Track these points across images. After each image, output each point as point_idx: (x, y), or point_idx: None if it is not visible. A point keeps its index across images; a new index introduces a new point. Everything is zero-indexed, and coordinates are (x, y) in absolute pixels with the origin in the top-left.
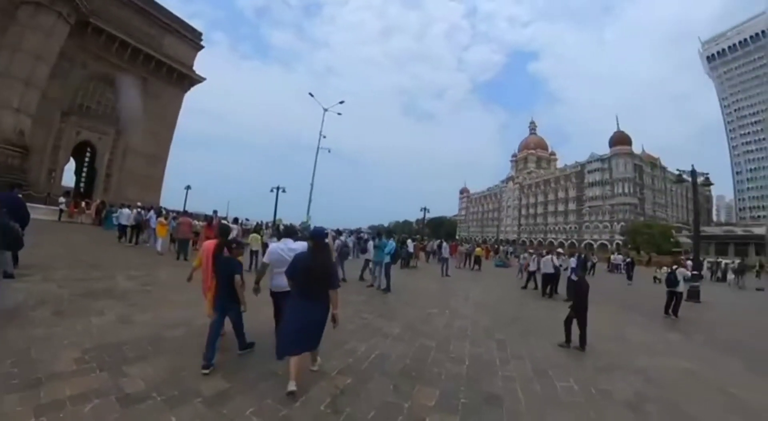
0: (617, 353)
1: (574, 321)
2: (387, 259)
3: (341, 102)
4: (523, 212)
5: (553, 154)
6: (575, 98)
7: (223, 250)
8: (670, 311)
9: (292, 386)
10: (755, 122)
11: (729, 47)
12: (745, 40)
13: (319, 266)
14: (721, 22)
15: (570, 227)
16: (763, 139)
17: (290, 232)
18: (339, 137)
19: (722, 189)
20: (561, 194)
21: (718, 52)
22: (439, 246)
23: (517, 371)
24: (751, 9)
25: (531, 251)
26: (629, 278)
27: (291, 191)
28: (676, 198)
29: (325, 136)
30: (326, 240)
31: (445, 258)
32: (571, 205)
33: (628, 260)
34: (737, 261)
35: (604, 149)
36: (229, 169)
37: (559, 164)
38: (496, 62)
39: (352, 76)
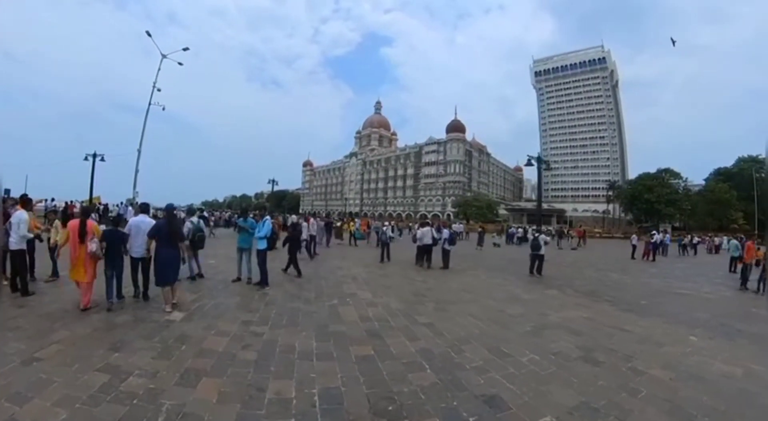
0: (527, 315)
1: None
2: (262, 244)
3: (185, 49)
4: (365, 186)
5: (394, 134)
6: (419, 87)
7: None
8: (534, 270)
9: (168, 308)
10: (560, 127)
11: (552, 69)
12: (565, 66)
13: (173, 228)
14: (547, 48)
15: (408, 201)
16: (562, 140)
17: (145, 209)
18: (174, 97)
19: (531, 174)
20: (400, 171)
21: (544, 70)
22: (294, 224)
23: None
24: (573, 45)
25: (389, 222)
26: (479, 243)
27: (113, 162)
28: (495, 178)
29: (159, 89)
30: (175, 212)
31: (312, 236)
32: (409, 182)
33: (479, 230)
34: (554, 228)
35: (441, 134)
36: (32, 133)
37: (399, 144)
38: (351, 40)
39: (198, 28)
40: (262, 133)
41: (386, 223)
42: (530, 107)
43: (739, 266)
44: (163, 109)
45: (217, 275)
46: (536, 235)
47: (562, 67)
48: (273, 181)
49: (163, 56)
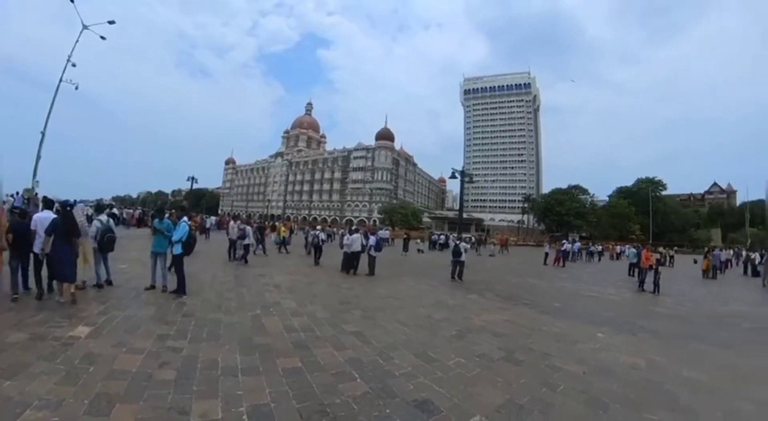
0: (452, 319)
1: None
2: (178, 249)
3: (111, 22)
4: (290, 188)
5: (323, 136)
6: (352, 92)
7: None
8: (456, 276)
9: (61, 299)
10: (483, 143)
11: (481, 88)
12: (493, 87)
13: (68, 224)
14: (478, 68)
15: (334, 205)
16: (485, 155)
17: (49, 204)
18: (91, 75)
19: (453, 185)
20: (327, 175)
21: (473, 89)
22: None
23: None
24: (503, 67)
25: (319, 227)
26: (405, 250)
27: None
28: (420, 187)
29: (74, 64)
30: (69, 208)
31: (233, 240)
32: (336, 186)
33: (404, 236)
34: (474, 235)
35: (370, 141)
36: None
37: (328, 147)
38: (290, 38)
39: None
40: (185, 125)
41: (318, 227)
42: (457, 122)
43: (637, 271)
44: (76, 88)
45: (129, 281)
46: (457, 242)
47: (490, 87)
48: (192, 178)
49: (84, 27)
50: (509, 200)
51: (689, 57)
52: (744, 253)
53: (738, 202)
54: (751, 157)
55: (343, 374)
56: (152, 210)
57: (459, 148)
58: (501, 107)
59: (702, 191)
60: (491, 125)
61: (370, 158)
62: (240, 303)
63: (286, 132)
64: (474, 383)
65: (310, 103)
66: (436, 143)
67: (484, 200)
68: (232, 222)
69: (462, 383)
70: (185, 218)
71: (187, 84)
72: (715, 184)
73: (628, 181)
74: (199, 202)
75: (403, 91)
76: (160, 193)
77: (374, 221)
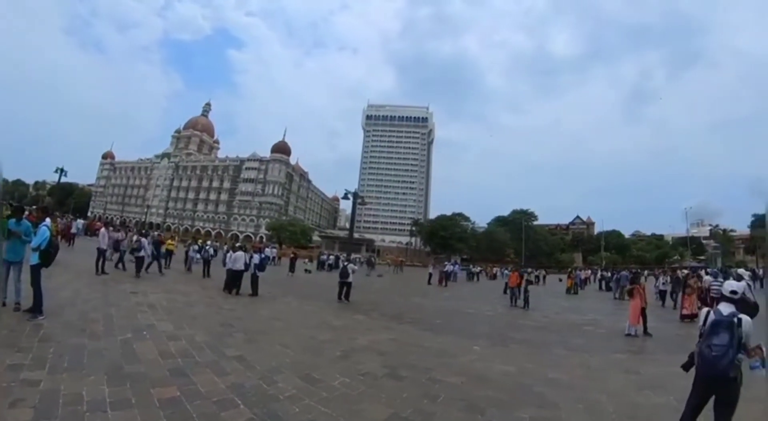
0: (337, 340)
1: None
2: (34, 258)
3: None
4: (174, 194)
5: (217, 141)
6: (256, 100)
7: None
8: (342, 297)
9: None
10: (378, 167)
11: (383, 116)
12: (393, 116)
13: None
14: (383, 96)
15: (219, 217)
16: (379, 178)
17: None
18: None
19: (346, 205)
20: (216, 184)
21: (375, 116)
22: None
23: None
24: (405, 99)
25: (209, 241)
26: (291, 270)
27: None
28: (313, 205)
29: None
30: None
31: (102, 250)
32: (224, 196)
33: (291, 255)
34: (364, 256)
35: (265, 152)
36: None
37: (220, 154)
38: (201, 29)
39: None
40: (61, 105)
41: (208, 242)
42: (356, 144)
43: (509, 289)
44: None
45: None
46: (345, 263)
47: (391, 116)
48: (61, 170)
49: None
50: (399, 223)
51: (565, 113)
52: (599, 272)
53: (595, 231)
54: (606, 197)
55: (225, 401)
56: (8, 205)
57: (355, 169)
58: (399, 136)
59: (567, 222)
60: (388, 151)
61: (263, 170)
62: (108, 326)
63: (178, 131)
64: (359, 401)
65: (208, 104)
66: (334, 161)
67: (375, 222)
68: (103, 229)
69: (347, 401)
70: (47, 220)
71: (74, 56)
72: (577, 217)
73: (505, 212)
74: (66, 199)
75: (306, 107)
76: (18, 184)
77: (261, 237)
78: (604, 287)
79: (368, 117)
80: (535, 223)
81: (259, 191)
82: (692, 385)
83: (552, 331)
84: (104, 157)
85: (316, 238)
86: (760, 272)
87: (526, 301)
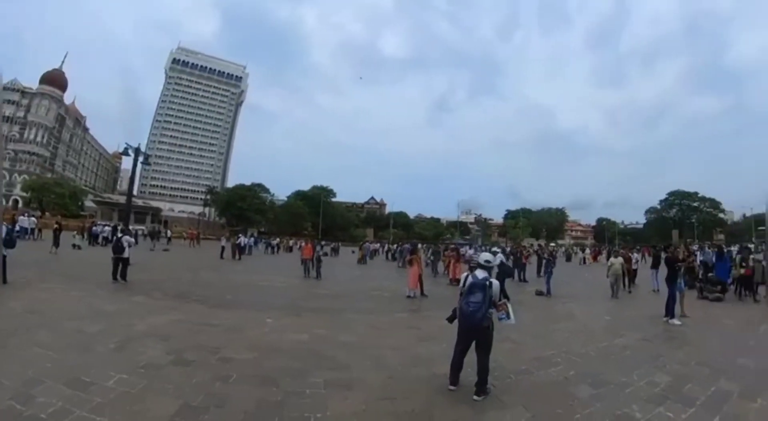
0: (111, 330)
1: None
2: None
3: None
4: None
5: None
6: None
7: None
8: (118, 276)
9: None
10: (176, 123)
11: (192, 64)
12: (204, 67)
13: None
14: (198, 43)
15: None
16: (175, 136)
17: None
18: None
19: (130, 164)
20: None
21: (183, 61)
22: None
23: None
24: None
25: None
26: (55, 244)
27: None
28: (89, 161)
29: None
30: None
31: None
32: None
33: (56, 227)
34: (148, 227)
35: (31, 81)
36: None
37: None
38: None
39: None
40: None
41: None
42: (154, 90)
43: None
44: None
45: None
46: (120, 236)
47: (201, 66)
48: None
49: None
50: (192, 190)
51: (379, 104)
52: (386, 245)
53: (386, 211)
54: (399, 183)
55: None
56: None
57: (147, 121)
58: (206, 91)
59: (363, 201)
60: (190, 106)
61: (23, 107)
62: None
63: None
64: (141, 399)
65: None
66: (124, 109)
67: (165, 187)
68: None
69: (128, 402)
70: None
71: None
72: (372, 197)
73: (306, 187)
74: None
75: (101, 29)
76: None
77: (16, 200)
78: (390, 257)
79: (175, 61)
80: (334, 199)
81: (15, 135)
82: (457, 334)
83: (343, 298)
84: None
85: (90, 204)
86: (508, 248)
87: (318, 272)
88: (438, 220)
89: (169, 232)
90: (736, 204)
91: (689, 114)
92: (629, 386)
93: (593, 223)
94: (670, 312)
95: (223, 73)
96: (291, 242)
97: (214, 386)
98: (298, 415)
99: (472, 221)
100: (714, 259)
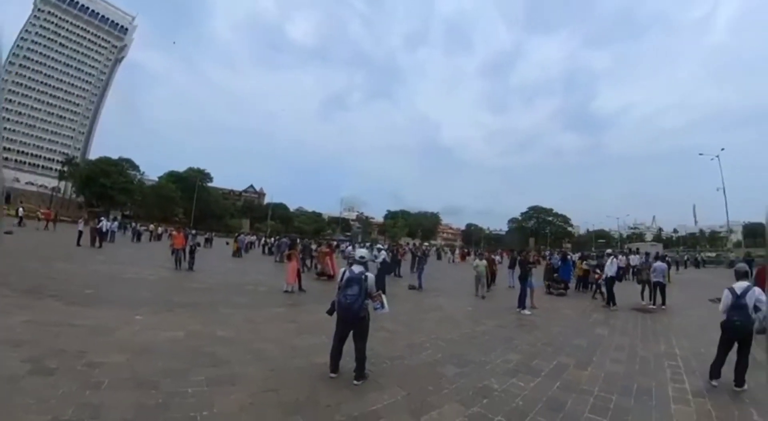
0: None
1: None
2: None
3: None
4: None
5: None
6: None
7: None
8: None
9: None
10: (34, 70)
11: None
12: (86, 7)
13: None
14: None
15: None
16: (29, 86)
17: None
18: None
19: None
20: None
21: None
22: None
23: None
24: None
25: None
26: None
27: None
28: None
29: None
30: None
31: None
32: None
33: None
34: None
35: None
36: None
37: None
38: None
39: None
40: None
41: None
42: (14, 23)
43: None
44: None
45: None
46: None
47: (82, 5)
48: None
49: None
50: (46, 158)
51: (274, 88)
52: (264, 238)
53: (265, 201)
54: (282, 173)
55: None
56: None
57: None
58: (81, 37)
59: (241, 189)
60: (57, 52)
61: None
62: None
63: None
64: None
65: None
66: None
67: (9, 149)
68: None
69: None
70: None
71: None
72: (251, 186)
73: (181, 168)
74: None
75: None
76: None
77: None
78: (267, 251)
79: None
80: (210, 184)
81: None
82: (336, 325)
83: (218, 292)
84: None
85: None
86: (386, 246)
87: (190, 264)
88: (320, 214)
89: (21, 210)
90: (582, 221)
91: (555, 145)
92: (488, 364)
93: (463, 227)
94: (522, 304)
95: (107, 19)
96: (160, 230)
97: (84, 395)
98: (183, 416)
99: (354, 218)
100: (560, 262)
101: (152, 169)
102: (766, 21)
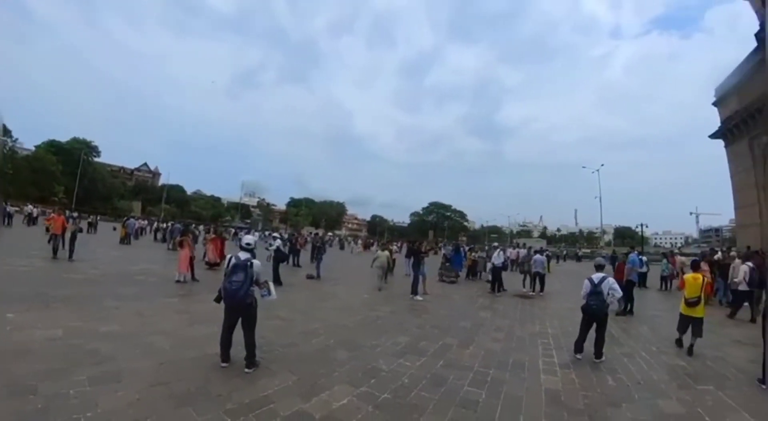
0: None
1: None
2: None
3: None
4: None
5: None
6: None
7: None
8: None
9: None
10: None
11: None
12: None
13: None
14: None
15: None
16: None
17: None
18: None
19: None
20: None
21: None
22: None
23: None
24: None
25: None
26: None
27: None
28: None
29: None
30: None
31: None
32: None
33: None
34: None
35: None
36: None
37: None
38: None
39: None
40: None
41: None
42: None
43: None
44: None
45: None
46: None
47: None
48: None
49: None
50: None
51: (182, 56)
52: (156, 223)
53: (160, 182)
54: (180, 152)
55: None
56: None
57: None
58: None
59: (133, 167)
60: None
61: None
62: None
63: None
64: None
65: None
66: None
67: None
68: None
69: None
70: None
71: None
72: (145, 164)
73: (64, 137)
74: None
75: None
76: None
77: None
78: (159, 238)
79: None
80: (97, 160)
81: None
82: (224, 312)
83: (102, 283)
84: None
85: None
86: (286, 235)
87: (71, 251)
88: (219, 199)
89: None
90: (478, 217)
91: (459, 147)
92: (378, 347)
93: (368, 218)
94: (415, 291)
95: None
96: (36, 211)
97: None
98: (66, 419)
99: (255, 204)
100: (452, 253)
101: (29, 136)
102: (654, 67)
